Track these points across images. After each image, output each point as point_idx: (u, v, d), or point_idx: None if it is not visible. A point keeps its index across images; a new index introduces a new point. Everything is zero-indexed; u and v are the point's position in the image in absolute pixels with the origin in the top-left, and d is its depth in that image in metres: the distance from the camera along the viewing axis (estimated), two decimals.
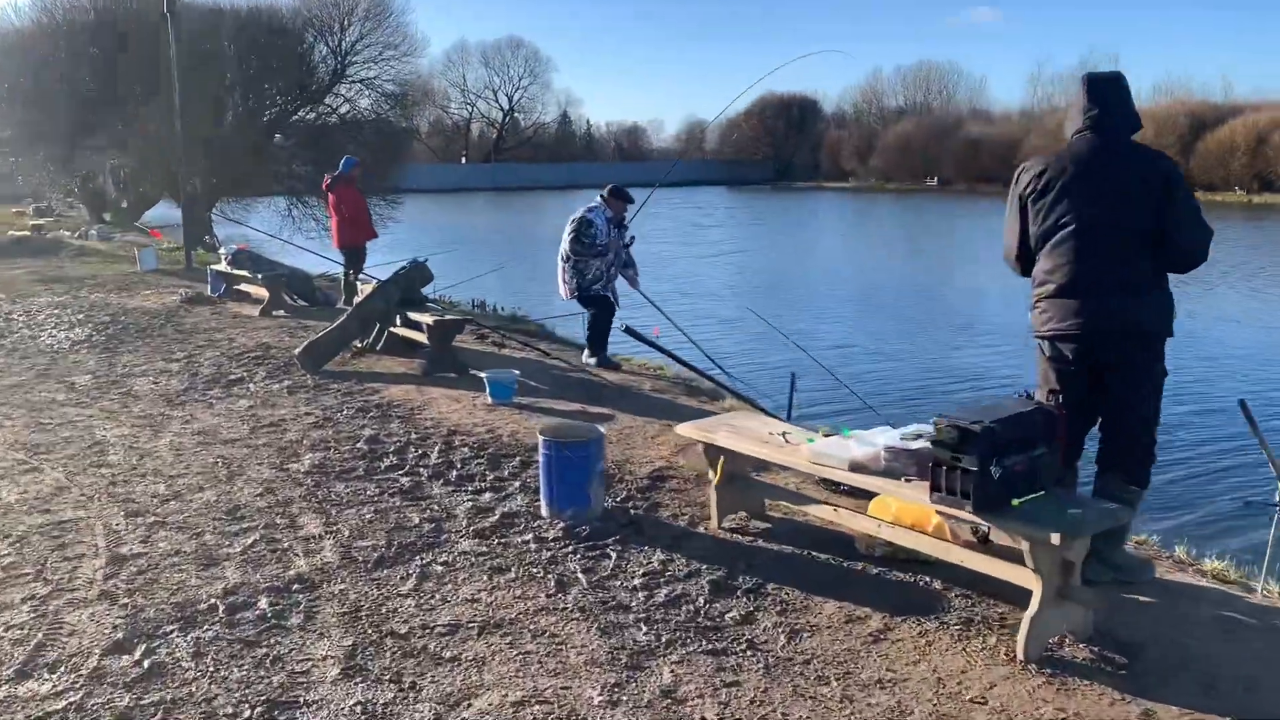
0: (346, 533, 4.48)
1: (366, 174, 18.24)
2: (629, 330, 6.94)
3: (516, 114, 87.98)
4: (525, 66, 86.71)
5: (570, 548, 4.29)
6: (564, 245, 8.52)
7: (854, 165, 70.84)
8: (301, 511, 4.78)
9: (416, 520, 4.64)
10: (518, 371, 7.33)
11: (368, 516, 4.69)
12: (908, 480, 3.57)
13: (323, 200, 16.49)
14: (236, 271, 12.67)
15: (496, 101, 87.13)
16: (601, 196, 8.60)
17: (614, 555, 4.20)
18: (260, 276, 12.02)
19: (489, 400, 7.02)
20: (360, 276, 11.60)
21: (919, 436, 3.68)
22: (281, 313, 11.74)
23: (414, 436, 6.15)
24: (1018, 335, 13.57)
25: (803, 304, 17.83)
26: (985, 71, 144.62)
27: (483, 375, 7.15)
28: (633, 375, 8.40)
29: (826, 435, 4.14)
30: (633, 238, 8.70)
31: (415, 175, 42.64)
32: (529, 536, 4.42)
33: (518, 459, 5.67)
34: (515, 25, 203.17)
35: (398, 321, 8.70)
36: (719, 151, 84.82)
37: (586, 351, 8.75)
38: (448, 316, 8.31)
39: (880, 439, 3.77)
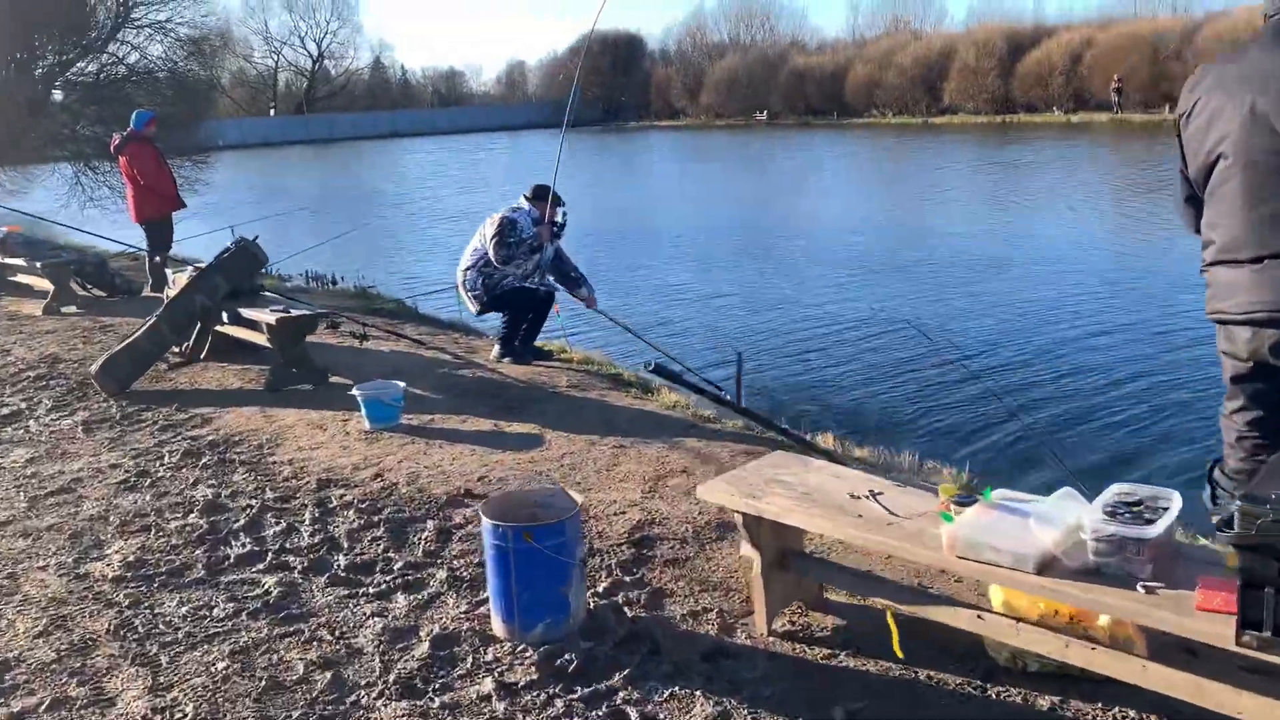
0: (190, 712, 2.77)
1: (168, 132, 15.60)
2: (659, 369, 4.83)
3: (326, 61, 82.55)
4: (332, 10, 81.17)
5: (559, 700, 2.73)
6: (472, 254, 6.89)
7: (685, 103, 69.64)
8: (113, 666, 3.03)
9: (300, 669, 2.96)
10: (402, 383, 5.59)
11: (221, 669, 2.98)
12: (1146, 589, 2.18)
13: (115, 165, 13.86)
14: (8, 260, 10.23)
15: (304, 49, 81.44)
16: (525, 198, 6.97)
17: (634, 709, 2.66)
18: (40, 265, 9.67)
19: (367, 426, 5.30)
20: (168, 259, 9.45)
21: (1135, 506, 2.30)
22: (72, 309, 9.50)
23: (271, 496, 4.40)
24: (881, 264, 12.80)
25: (658, 250, 16.38)
26: (804, 3, 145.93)
27: (354, 392, 5.38)
28: (540, 368, 6.79)
29: (954, 496, 2.66)
30: (564, 217, 7.04)
31: (221, 130, 38.84)
32: (486, 684, 2.82)
33: (429, 524, 4.02)
34: None
35: (225, 319, 6.76)
36: (546, 94, 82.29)
37: (498, 349, 7.11)
38: (295, 311, 6.43)
39: (1072, 512, 2.36)
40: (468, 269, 6.85)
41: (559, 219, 6.87)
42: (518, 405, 5.73)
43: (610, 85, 77.90)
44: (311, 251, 12.04)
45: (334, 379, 6.36)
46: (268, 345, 6.37)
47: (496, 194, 24.87)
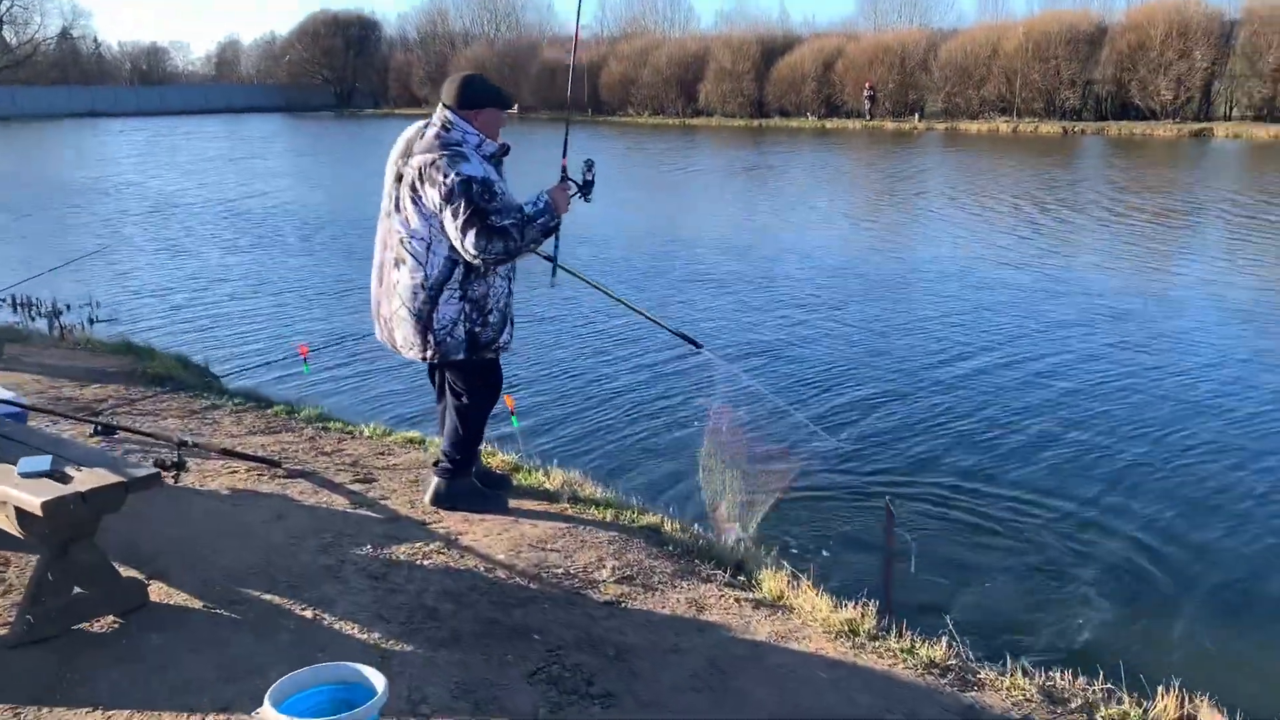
0: None
1: None
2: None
3: (5, 26, 71.25)
4: None
5: None
6: (421, 272, 4.01)
7: (427, 92, 65.58)
8: None
9: None
10: (380, 682, 2.64)
11: None
12: None
13: None
14: None
15: None
16: (450, 110, 4.01)
17: None
18: None
19: None
20: None
21: None
22: None
23: None
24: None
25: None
26: None
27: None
28: (526, 528, 4.04)
29: None
30: (591, 175, 4.24)
31: None
32: None
33: None
34: None
35: None
36: (271, 75, 75.30)
37: (437, 485, 4.32)
38: (79, 474, 3.29)
39: None
40: (425, 299, 4.00)
41: (589, 171, 4.19)
42: (582, 680, 3.01)
43: (343, 69, 72.51)
44: (41, 281, 8.44)
45: (158, 590, 3.36)
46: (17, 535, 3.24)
47: (246, 179, 21.13)
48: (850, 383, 7.87)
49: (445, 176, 3.78)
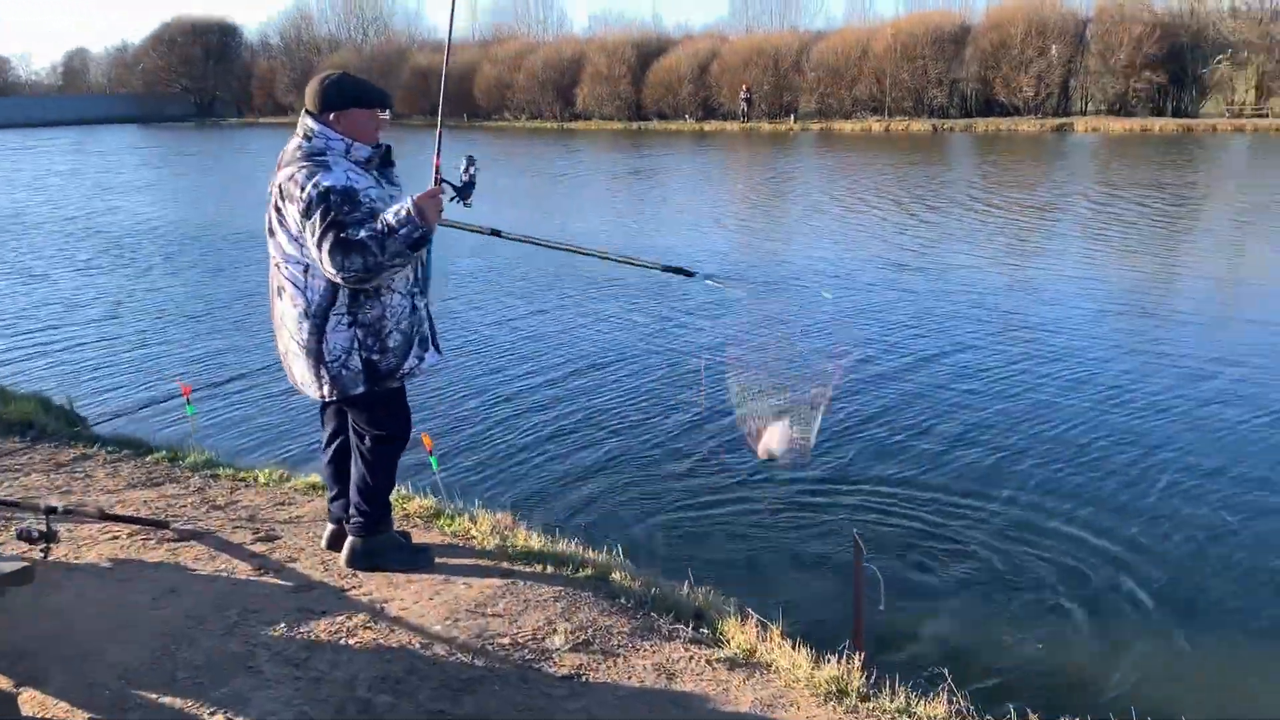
0: None
1: None
2: None
3: None
4: None
5: None
6: (298, 272, 3.53)
7: (292, 99, 63.27)
8: None
9: None
10: None
11: None
12: None
13: None
14: None
15: None
16: (312, 116, 3.55)
17: None
18: None
19: None
20: None
21: None
22: None
23: None
24: None
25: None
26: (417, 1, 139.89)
27: None
28: (459, 588, 3.60)
29: None
30: (470, 174, 3.64)
31: None
32: None
33: None
34: None
35: None
36: (125, 84, 71.64)
37: (354, 544, 3.84)
38: None
39: None
40: (311, 329, 3.54)
41: (470, 169, 3.61)
42: None
43: (203, 77, 69.56)
44: None
45: (31, 700, 2.81)
46: None
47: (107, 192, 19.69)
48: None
49: (302, 190, 3.37)
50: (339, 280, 3.39)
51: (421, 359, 3.72)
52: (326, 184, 3.35)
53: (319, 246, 3.34)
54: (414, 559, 3.89)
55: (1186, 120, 35.98)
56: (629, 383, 7.95)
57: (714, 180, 25.34)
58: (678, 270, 4.33)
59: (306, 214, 3.35)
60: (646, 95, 49.46)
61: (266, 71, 65.55)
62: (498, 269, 13.20)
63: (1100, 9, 38.85)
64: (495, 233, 4.06)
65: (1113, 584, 4.70)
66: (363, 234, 3.30)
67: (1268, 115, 35.44)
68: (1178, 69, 37.24)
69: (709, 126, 45.76)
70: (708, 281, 3.71)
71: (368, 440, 3.74)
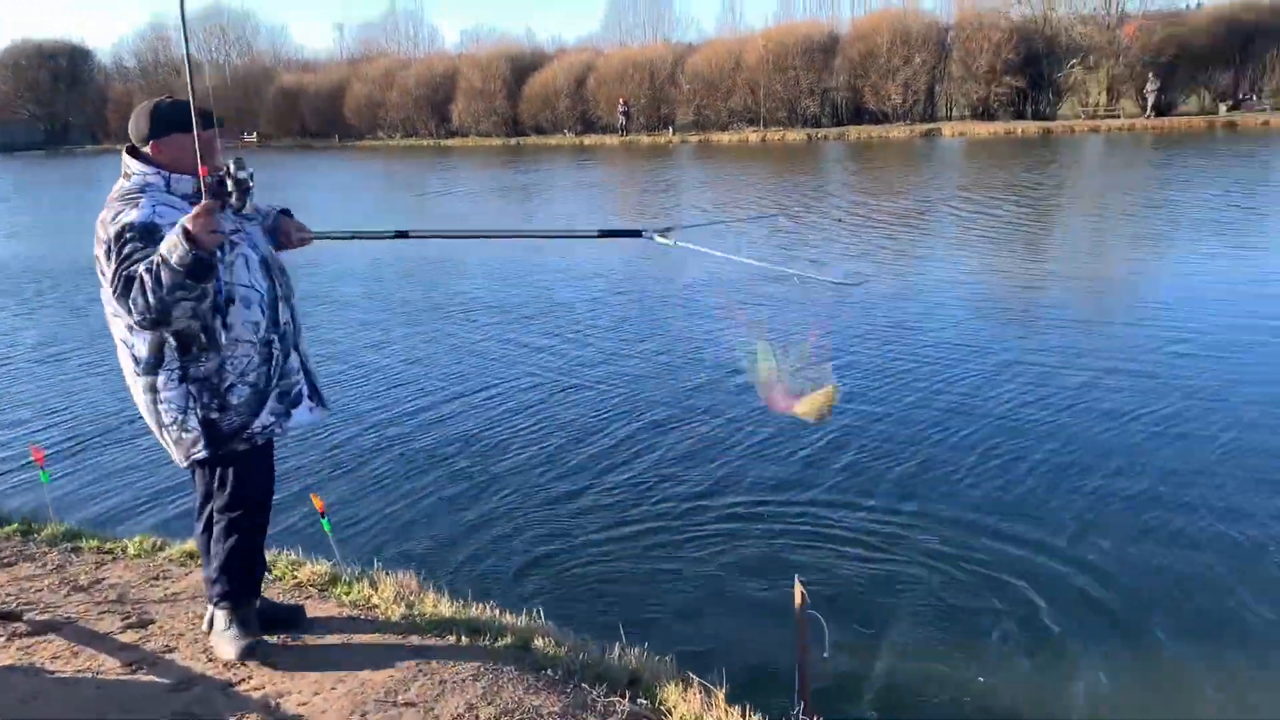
0: None
1: None
2: None
3: None
4: None
5: None
6: (123, 327, 3.15)
7: None
8: None
9: None
10: None
11: None
12: None
13: None
14: None
15: None
16: (132, 152, 3.16)
17: None
18: None
19: None
20: None
21: None
22: None
23: None
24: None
25: None
26: (284, 19, 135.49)
27: None
28: (369, 651, 3.21)
29: None
30: (239, 177, 3.06)
31: None
32: None
33: None
34: None
35: None
36: None
37: (218, 613, 3.43)
38: None
39: None
40: (144, 387, 3.16)
41: (235, 172, 3.03)
42: None
43: (53, 103, 66.09)
44: None
45: None
46: None
47: None
48: (635, 412, 7.39)
49: (104, 235, 2.98)
50: (136, 325, 2.98)
51: (284, 415, 3.29)
52: (125, 221, 2.95)
53: (111, 289, 2.95)
54: (253, 648, 3.41)
55: (1045, 123, 37.46)
56: (532, 415, 7.60)
57: (595, 194, 25.12)
58: (619, 233, 3.82)
59: (106, 257, 2.97)
60: (524, 110, 49.03)
61: (122, 95, 62.54)
62: (378, 294, 12.66)
63: (960, 17, 40.21)
64: (401, 234, 3.65)
65: (1050, 598, 4.59)
66: (140, 268, 2.89)
67: (1119, 116, 37.20)
68: (1035, 74, 38.76)
69: (589, 140, 45.59)
70: (658, 239, 3.28)
71: (218, 508, 3.32)
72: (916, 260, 13.75)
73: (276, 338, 3.25)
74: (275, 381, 3.25)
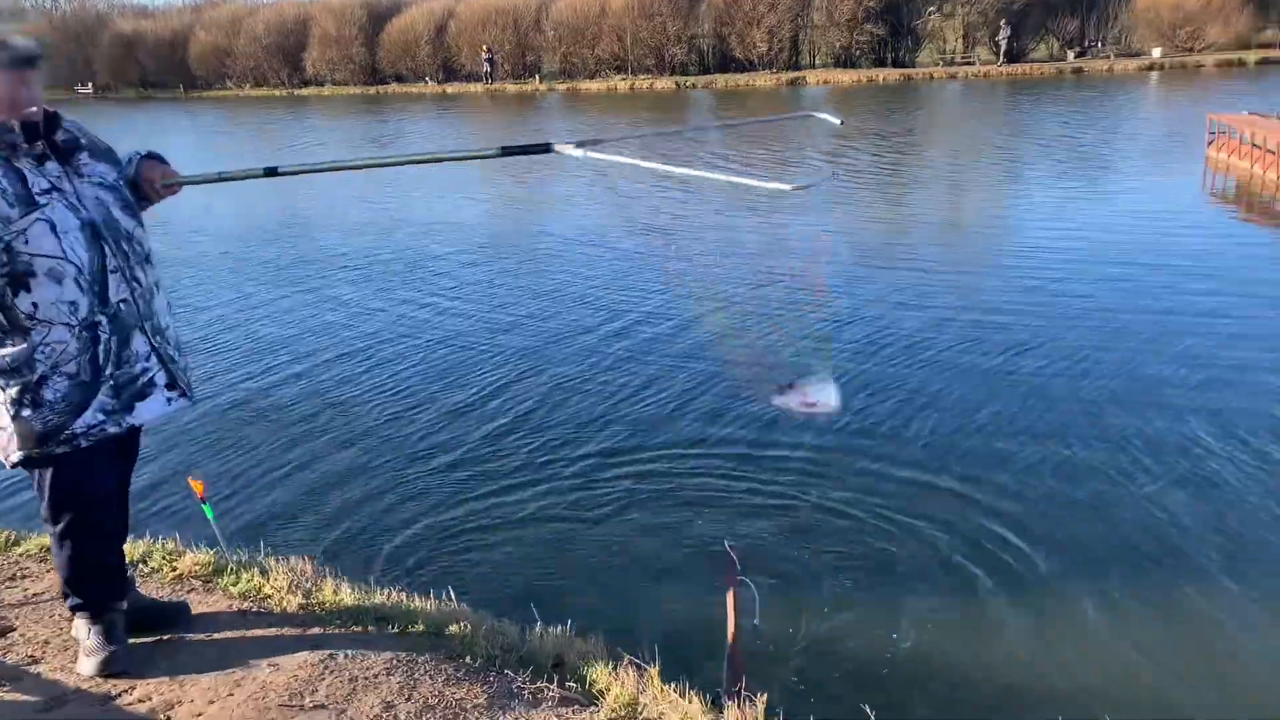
0: None
1: None
2: None
3: None
4: None
5: None
6: None
7: None
8: None
9: None
10: None
11: None
12: None
13: None
14: None
15: None
16: None
17: None
18: None
19: None
20: None
21: None
22: None
23: None
24: None
25: None
26: None
27: None
28: (268, 647, 2.91)
29: None
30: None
31: None
32: None
33: None
34: None
35: None
36: None
37: (77, 622, 3.09)
38: None
39: None
40: None
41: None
42: None
43: None
44: None
45: None
46: None
47: None
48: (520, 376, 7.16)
49: None
50: None
51: (122, 411, 2.82)
52: None
53: None
54: (113, 659, 3.03)
55: (906, 70, 38.25)
56: (418, 377, 7.26)
57: (470, 140, 24.39)
58: (525, 149, 3.17)
59: None
60: (383, 58, 47.21)
61: None
62: (238, 255, 11.96)
63: None
64: (271, 172, 3.19)
65: (978, 551, 4.60)
66: None
67: (975, 63, 38.26)
68: (895, 21, 39.44)
69: (452, 89, 44.29)
70: (568, 151, 2.83)
71: (42, 513, 2.94)
72: (783, 211, 13.80)
73: (105, 319, 2.77)
74: (107, 372, 2.79)
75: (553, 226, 13.13)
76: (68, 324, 2.70)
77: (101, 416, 2.79)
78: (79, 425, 2.76)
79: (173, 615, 3.33)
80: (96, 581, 3.03)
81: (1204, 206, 13.17)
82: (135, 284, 2.85)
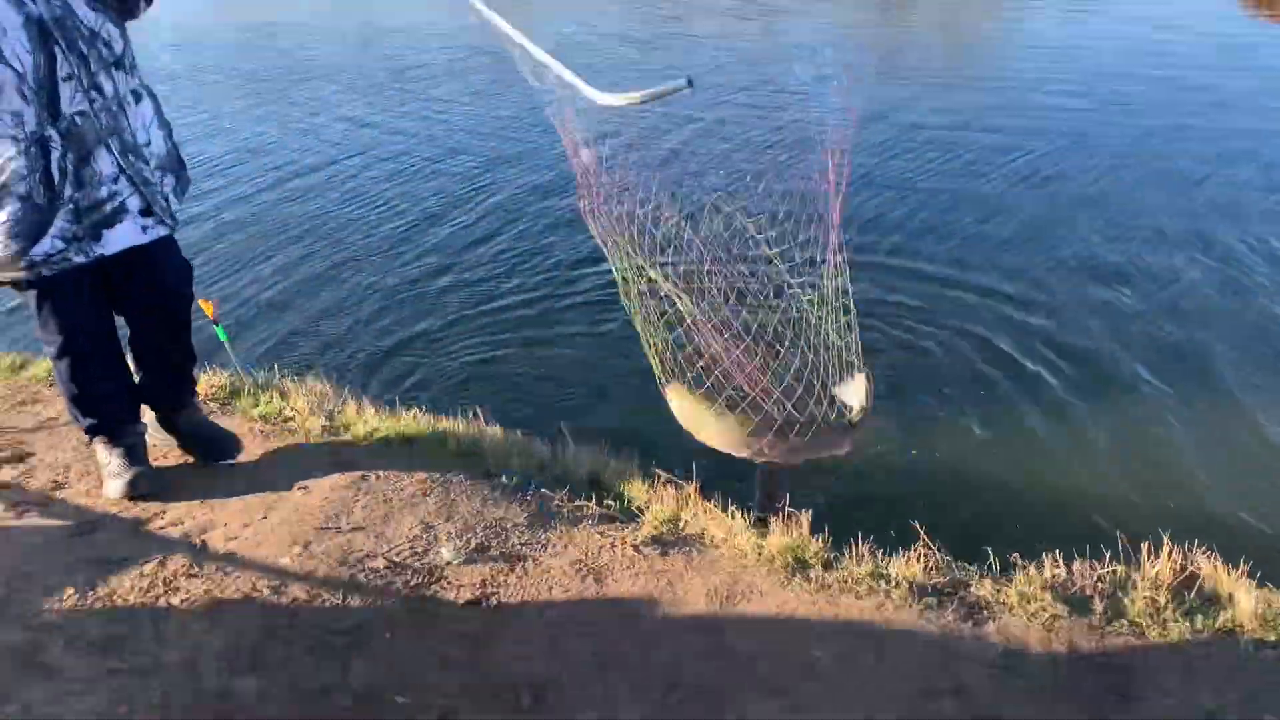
0: None
1: None
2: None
3: None
4: None
5: None
6: None
7: None
8: None
9: None
10: None
11: None
12: None
13: None
14: None
15: None
16: None
17: None
18: None
19: None
20: None
21: None
22: None
23: None
24: None
25: None
26: None
27: None
28: (297, 468, 2.86)
29: None
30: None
31: None
32: None
33: None
34: None
35: None
36: None
37: (96, 446, 3.03)
38: None
39: None
40: None
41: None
42: None
43: None
44: None
45: None
46: None
47: None
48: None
49: None
50: None
51: (86, 239, 2.57)
52: None
53: None
54: (136, 482, 2.94)
55: None
56: (433, 187, 7.00)
57: None
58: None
59: None
60: None
61: None
62: (208, 67, 11.40)
63: None
64: None
65: (1011, 362, 4.54)
66: None
67: None
68: None
69: None
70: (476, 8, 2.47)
71: (35, 332, 2.85)
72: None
73: (57, 134, 2.48)
74: (66, 194, 2.52)
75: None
76: (13, 137, 2.44)
77: (61, 244, 2.56)
78: (38, 253, 2.54)
79: (224, 445, 3.21)
80: (107, 405, 2.93)
81: None
82: (96, 93, 2.53)
